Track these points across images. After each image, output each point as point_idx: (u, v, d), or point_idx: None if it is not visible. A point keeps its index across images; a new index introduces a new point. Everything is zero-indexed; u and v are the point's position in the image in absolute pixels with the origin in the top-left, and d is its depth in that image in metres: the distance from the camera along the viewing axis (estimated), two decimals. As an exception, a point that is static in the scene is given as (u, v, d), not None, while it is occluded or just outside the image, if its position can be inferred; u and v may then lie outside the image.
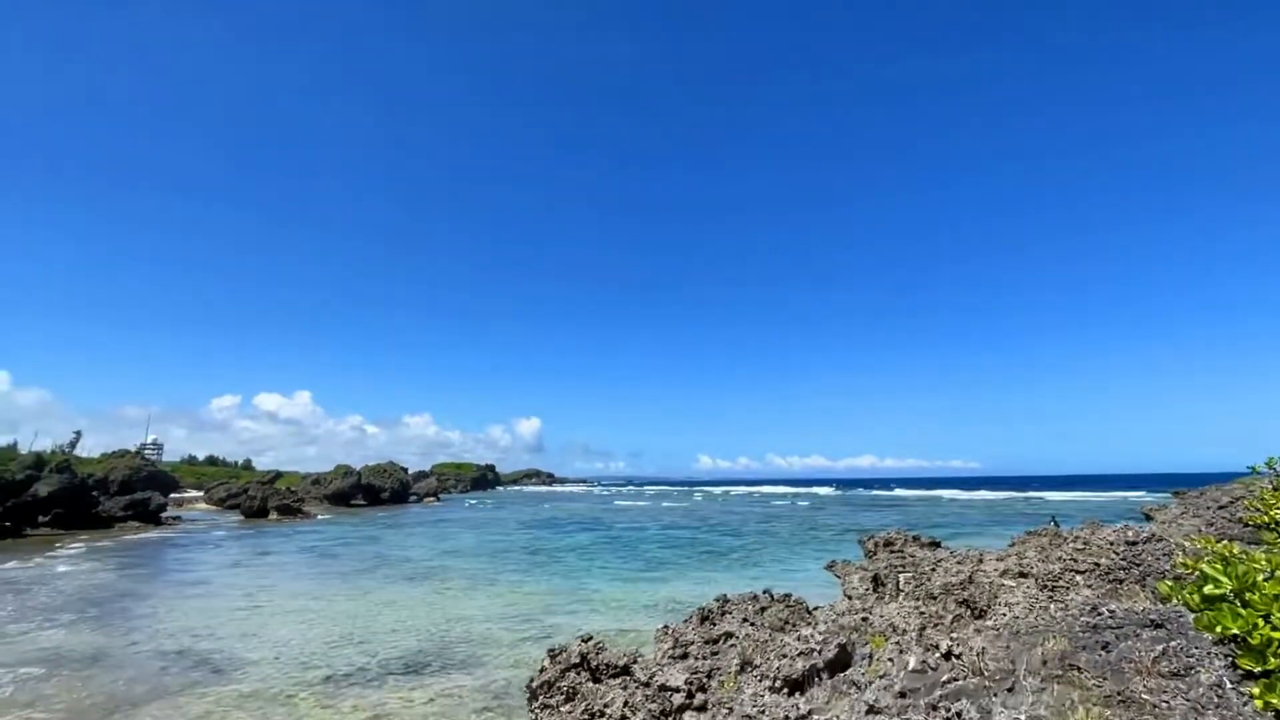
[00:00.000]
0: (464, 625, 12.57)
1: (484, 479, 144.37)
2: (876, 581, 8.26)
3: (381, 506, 66.14)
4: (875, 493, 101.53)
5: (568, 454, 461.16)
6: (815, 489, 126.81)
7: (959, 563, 8.48)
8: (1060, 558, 8.28)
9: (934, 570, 8.71)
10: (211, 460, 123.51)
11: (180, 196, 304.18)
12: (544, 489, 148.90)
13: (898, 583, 8.56)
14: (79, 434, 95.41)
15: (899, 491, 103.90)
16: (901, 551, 10.15)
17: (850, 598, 8.29)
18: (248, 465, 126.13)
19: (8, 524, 35.09)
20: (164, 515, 43.22)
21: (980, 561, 8.48)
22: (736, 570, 19.74)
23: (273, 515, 46.83)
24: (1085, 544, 8.62)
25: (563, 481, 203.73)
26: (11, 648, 11.23)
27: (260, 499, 48.11)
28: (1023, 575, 7.64)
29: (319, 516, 49.74)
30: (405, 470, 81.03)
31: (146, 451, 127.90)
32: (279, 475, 66.27)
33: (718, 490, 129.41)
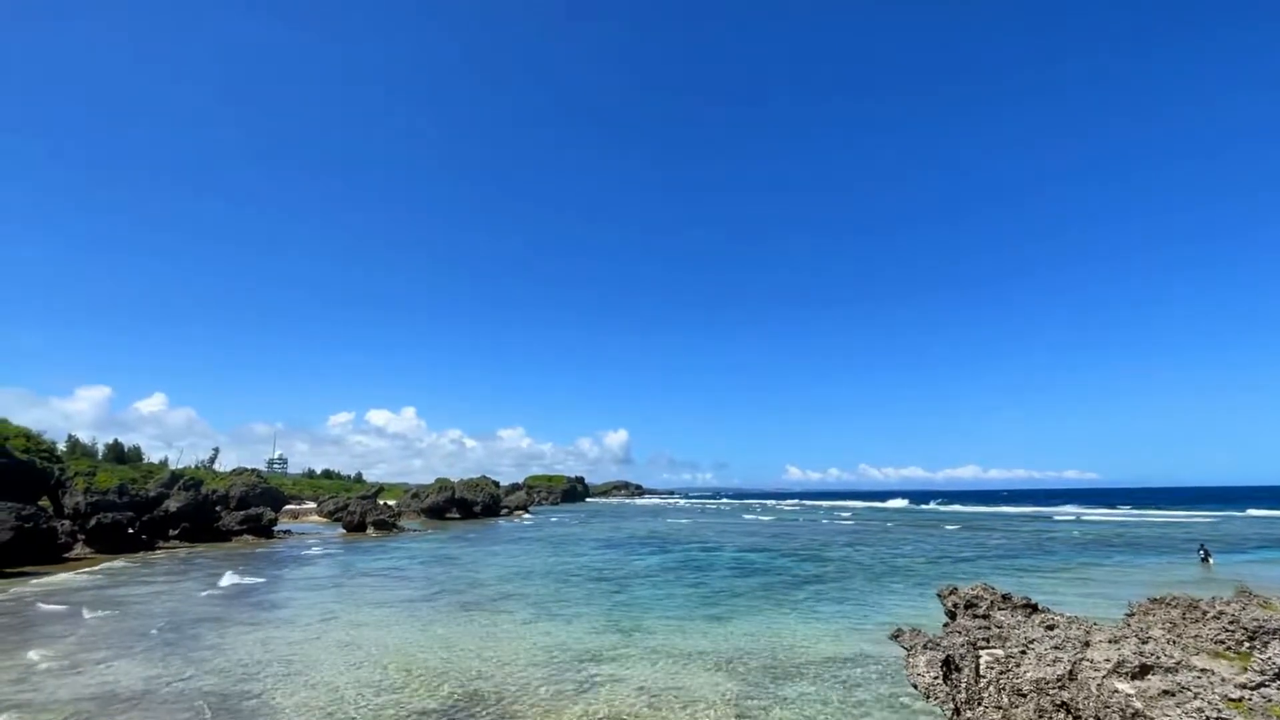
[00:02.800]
0: (503, 673, 11.59)
1: (573, 491, 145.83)
2: (949, 667, 6.57)
3: (473, 520, 67.41)
4: (976, 509, 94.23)
5: (654, 465, 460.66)
6: (909, 503, 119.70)
7: (1057, 646, 6.61)
8: (1198, 645, 6.31)
9: (1024, 653, 6.89)
10: (328, 474, 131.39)
11: (296, 223, 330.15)
12: (630, 501, 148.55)
13: (976, 669, 6.81)
14: (217, 450, 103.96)
15: (1004, 508, 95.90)
16: (987, 617, 8.27)
17: (915, 686, 6.62)
18: (359, 478, 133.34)
19: (143, 537, 37.62)
20: (275, 529, 45.46)
21: (1087, 645, 6.59)
22: (810, 610, 17.86)
23: (370, 530, 48.37)
24: (1233, 623, 6.59)
25: (649, 493, 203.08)
26: (75, 681, 11.22)
27: (359, 514, 49.85)
28: (1144, 672, 5.79)
29: (412, 531, 50.98)
30: (497, 484, 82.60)
31: (274, 466, 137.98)
32: (381, 490, 68.80)
33: (805, 503, 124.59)
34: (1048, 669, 6.05)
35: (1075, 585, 21.30)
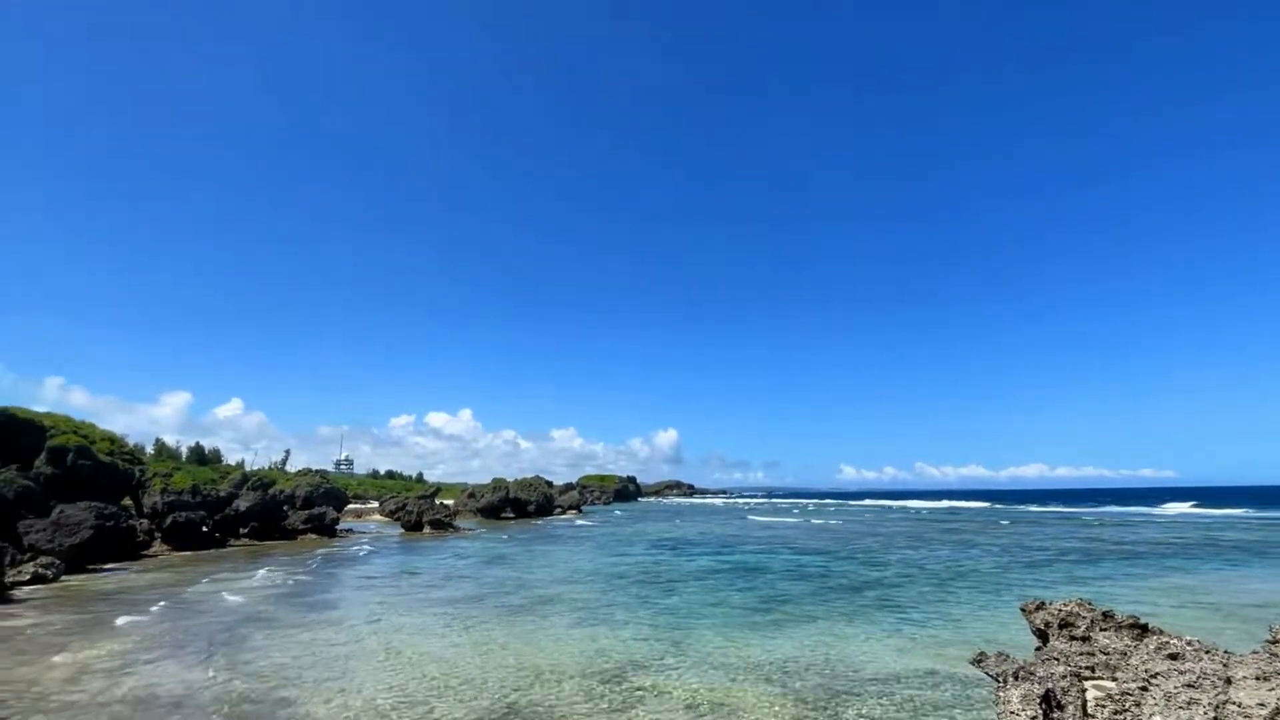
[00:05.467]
0: (542, 683, 10.87)
1: (626, 490, 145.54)
2: (1049, 704, 5.42)
3: (527, 519, 67.64)
4: (1044, 508, 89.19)
5: (706, 465, 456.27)
6: (971, 502, 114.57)
7: (1190, 685, 5.35)
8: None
9: (1145, 690, 5.66)
10: (390, 474, 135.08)
11: (354, 232, 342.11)
12: (683, 501, 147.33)
13: (1083, 709, 5.62)
14: (288, 452, 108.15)
15: (1075, 508, 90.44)
16: (1087, 639, 6.98)
17: (1007, 730, 5.49)
18: (420, 478, 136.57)
19: (215, 535, 38.80)
20: (338, 528, 46.42)
21: (1228, 683, 5.34)
22: (871, 619, 16.54)
23: (427, 529, 48.88)
24: None
25: (702, 493, 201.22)
26: (122, 682, 11.08)
27: (417, 514, 50.46)
28: (1317, 720, 4.52)
29: (467, 530, 51.33)
30: (550, 484, 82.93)
31: (340, 467, 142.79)
32: (439, 489, 69.89)
33: (860, 503, 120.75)
34: (1181, 713, 4.86)
35: (1171, 598, 19.22)
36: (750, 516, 73.45)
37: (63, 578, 23.05)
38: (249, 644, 13.78)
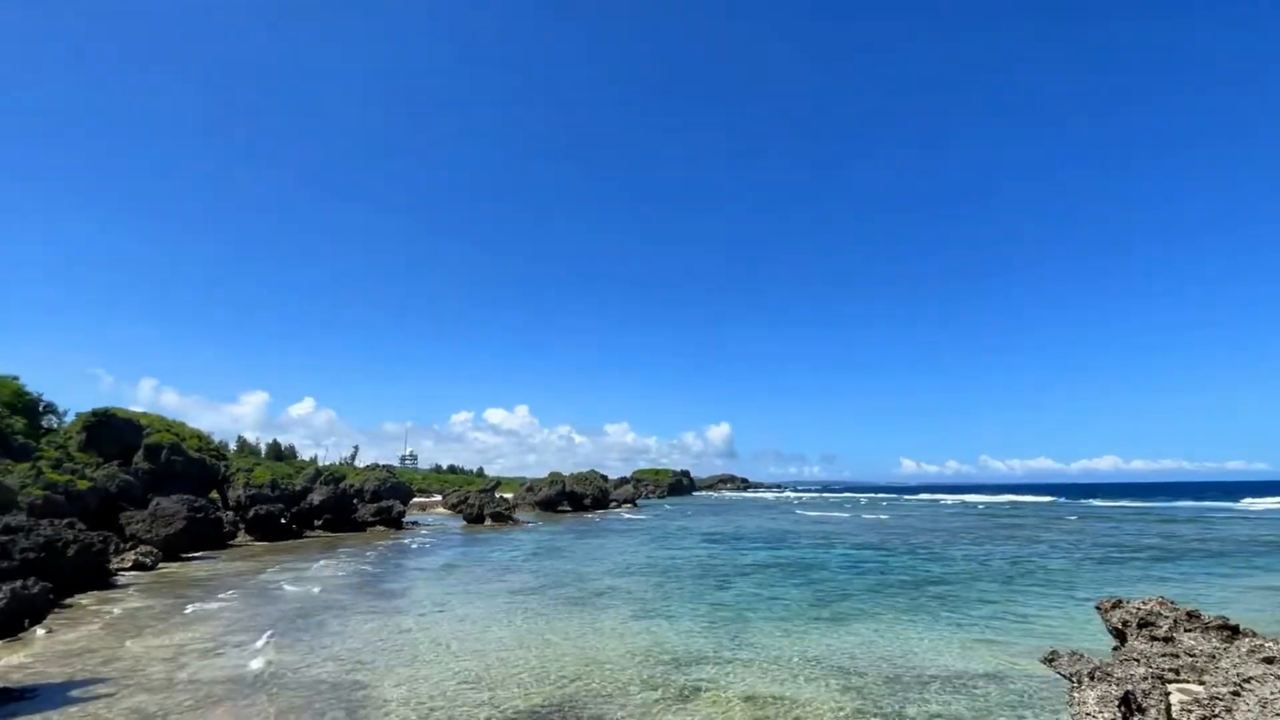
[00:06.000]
0: (600, 675, 11.01)
1: (679, 484, 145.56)
2: (1129, 707, 5.13)
3: (583, 512, 68.46)
4: (1119, 503, 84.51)
5: (759, 459, 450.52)
6: (1034, 497, 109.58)
7: (1290, 689, 5.01)
8: None
9: (1238, 695, 5.30)
10: (453, 469, 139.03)
11: (420, 235, 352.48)
12: (737, 495, 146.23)
13: (1167, 712, 5.30)
14: (356, 448, 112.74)
15: (1153, 502, 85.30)
16: (1170, 640, 6.59)
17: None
18: (480, 473, 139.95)
19: (292, 526, 40.76)
20: (404, 520, 48.07)
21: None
22: (934, 616, 16.04)
23: (488, 522, 50.11)
24: None
25: (756, 487, 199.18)
26: (215, 662, 11.79)
27: (478, 507, 51.79)
28: None
29: (526, 523, 52.35)
30: (605, 478, 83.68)
31: (405, 461, 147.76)
32: (498, 483, 71.50)
33: (921, 497, 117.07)
34: (1276, 721, 4.53)
35: (1261, 599, 17.95)
36: (803, 511, 72.33)
37: (160, 565, 24.67)
38: (326, 629, 14.44)
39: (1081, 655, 6.15)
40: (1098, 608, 7.53)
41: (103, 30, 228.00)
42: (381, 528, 44.76)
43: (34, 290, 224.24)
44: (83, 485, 27.62)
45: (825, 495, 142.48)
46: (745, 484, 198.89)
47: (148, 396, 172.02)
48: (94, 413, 34.91)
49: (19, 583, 9.67)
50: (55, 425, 34.29)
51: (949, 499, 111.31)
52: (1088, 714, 5.01)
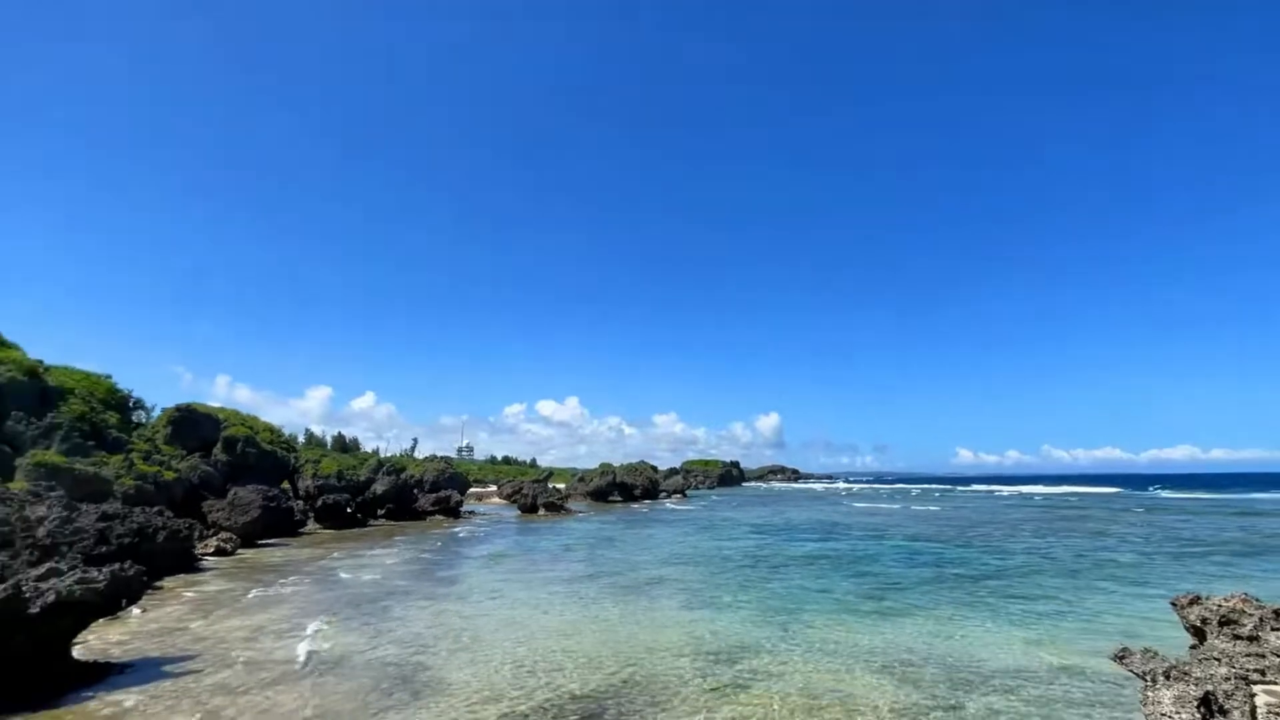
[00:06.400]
0: (654, 661, 11.10)
1: (729, 475, 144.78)
2: (1209, 708, 4.86)
3: (633, 503, 68.95)
4: (1194, 495, 79.74)
5: (809, 449, 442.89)
6: (1097, 488, 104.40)
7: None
8: None
9: (1328, 699, 4.95)
10: (507, 460, 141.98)
11: (470, 234, 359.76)
12: (787, 486, 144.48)
13: (1251, 714, 5.00)
14: (415, 440, 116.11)
15: (1233, 494, 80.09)
16: (1255, 640, 6.19)
17: (1158, 734, 4.95)
18: (534, 463, 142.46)
19: (357, 515, 42.44)
20: (461, 509, 49.42)
21: None
22: (994, 610, 15.52)
23: (541, 511, 51.04)
24: None
25: (806, 477, 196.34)
26: (289, 643, 12.42)
27: (532, 497, 52.81)
28: None
29: (578, 512, 53.08)
30: (655, 469, 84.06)
31: (462, 453, 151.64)
32: (551, 474, 72.59)
33: (979, 488, 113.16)
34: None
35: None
36: (854, 502, 70.97)
37: (238, 551, 26.11)
38: (389, 614, 15.02)
39: (1155, 653, 5.86)
40: (1173, 604, 7.15)
41: (196, 33, 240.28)
42: (440, 517, 46.14)
43: (124, 293, 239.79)
44: (169, 476, 29.40)
45: (876, 486, 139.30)
46: (795, 475, 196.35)
47: (223, 392, 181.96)
48: (177, 408, 37.07)
49: (117, 565, 10.39)
50: (144, 420, 36.57)
51: (1005, 490, 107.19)
52: (1163, 714, 4.77)
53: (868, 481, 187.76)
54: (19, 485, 20.54)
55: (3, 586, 8.57)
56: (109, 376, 33.89)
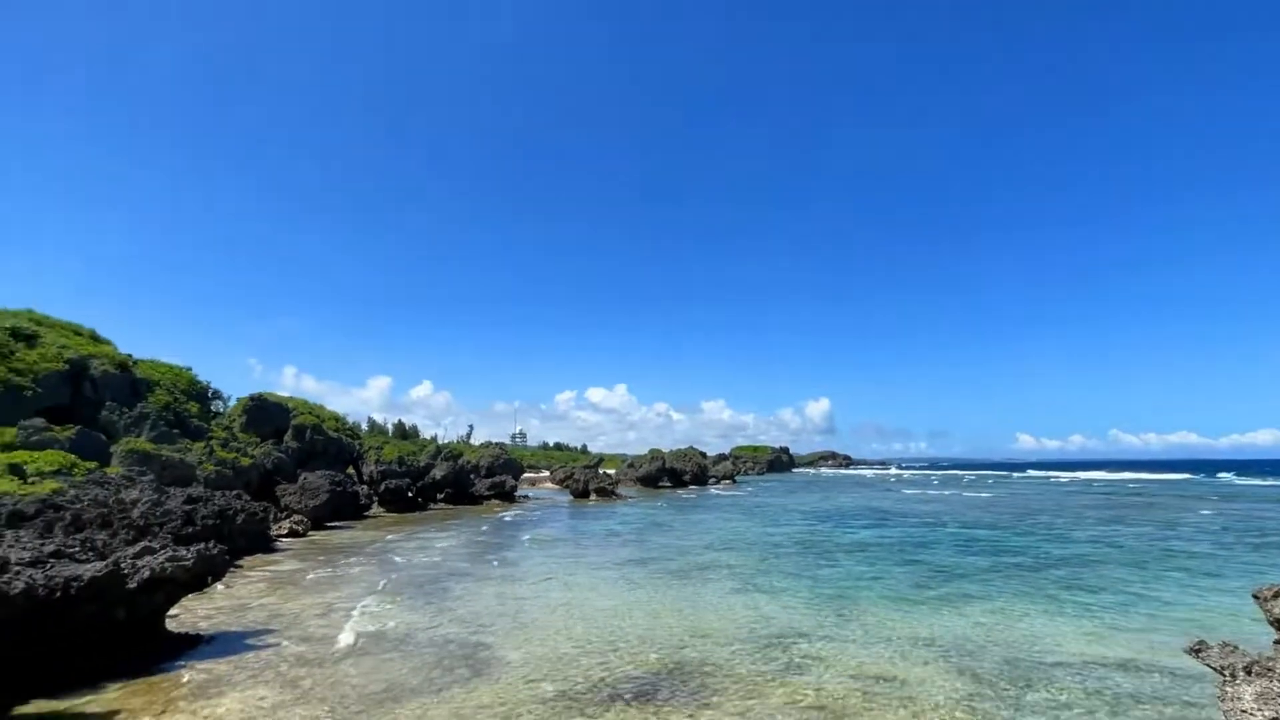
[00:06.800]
0: (705, 644, 11.16)
1: (779, 461, 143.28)
2: (1295, 708, 4.57)
3: (683, 488, 69.08)
4: (1273, 482, 74.58)
5: (860, 435, 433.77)
6: (1166, 475, 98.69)
7: None
8: None
9: None
10: (559, 446, 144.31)
11: (521, 225, 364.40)
12: (838, 472, 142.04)
13: (1345, 716, 4.67)
14: (471, 427, 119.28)
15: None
16: (1346, 637, 5.82)
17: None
18: (585, 449, 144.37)
19: (418, 499, 43.89)
20: (516, 494, 50.56)
21: None
22: (1057, 600, 14.96)
23: (592, 496, 51.73)
24: None
25: (859, 464, 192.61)
26: (357, 621, 13.01)
27: (583, 482, 53.56)
28: None
29: (629, 498, 53.57)
30: (704, 455, 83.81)
31: (515, 440, 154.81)
32: (601, 460, 73.54)
33: (1041, 474, 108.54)
34: None
35: None
36: (908, 489, 69.24)
37: (309, 533, 27.43)
38: (450, 594, 15.55)
39: (1235, 647, 5.55)
40: (1256, 596, 6.73)
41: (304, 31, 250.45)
42: (496, 501, 47.33)
43: (202, 291, 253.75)
44: (245, 462, 31.08)
45: (929, 472, 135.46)
46: (848, 461, 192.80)
47: (290, 382, 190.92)
48: (251, 398, 39.08)
49: (203, 545, 11.09)
50: (221, 409, 38.71)
51: (1064, 476, 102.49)
52: (1244, 711, 4.53)
53: (922, 468, 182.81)
54: (114, 470, 22.09)
55: (105, 563, 9.26)
56: (190, 369, 35.97)
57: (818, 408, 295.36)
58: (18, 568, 8.40)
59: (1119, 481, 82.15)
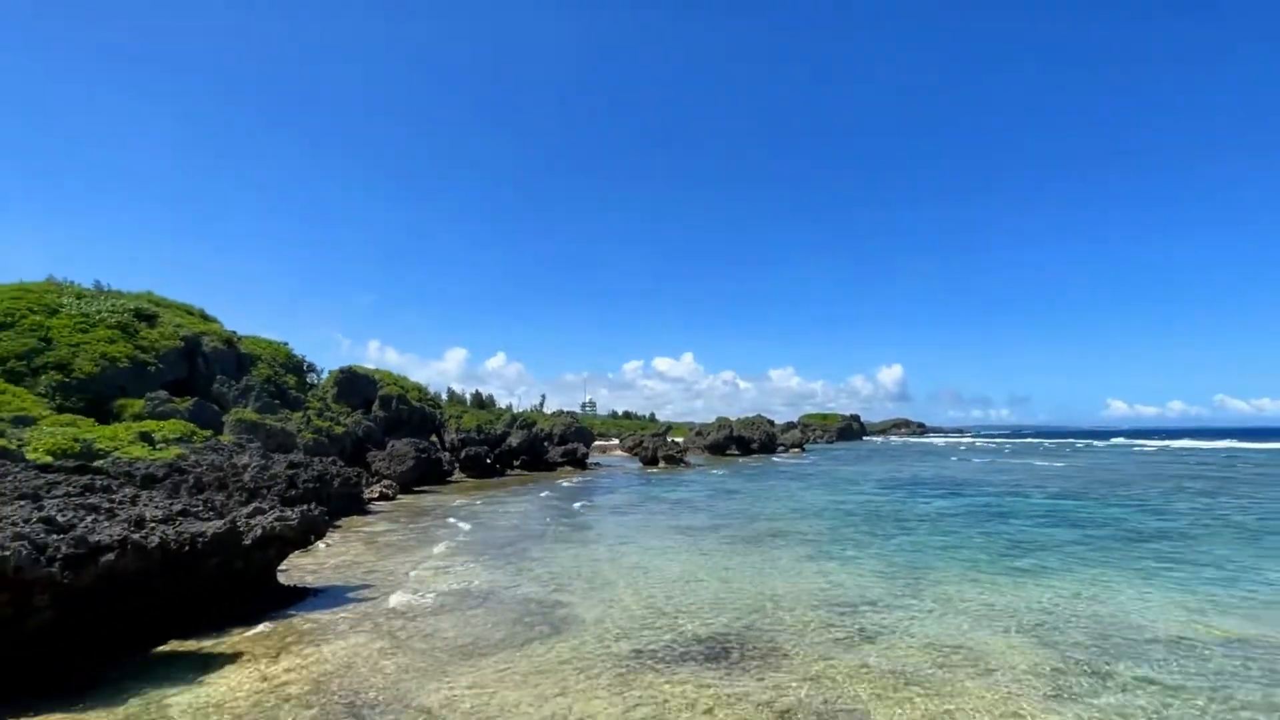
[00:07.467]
0: (777, 609, 11.20)
1: (849, 429, 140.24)
2: None
3: (750, 456, 68.82)
4: None
5: (936, 402, 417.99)
6: (1270, 444, 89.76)
7: None
8: None
9: None
10: (627, 415, 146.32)
11: (594, 195, 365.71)
12: (912, 440, 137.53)
13: None
14: (544, 396, 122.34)
15: None
16: None
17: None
18: (653, 418, 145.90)
19: (496, 466, 45.68)
20: (587, 461, 51.80)
21: None
22: (1151, 574, 14.05)
23: (661, 464, 52.33)
24: None
25: (934, 432, 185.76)
26: (446, 577, 13.83)
27: (652, 449, 54.24)
28: None
29: (696, 465, 53.87)
30: (772, 423, 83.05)
31: (585, 408, 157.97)
32: (669, 428, 74.12)
33: (1137, 443, 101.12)
34: None
35: None
36: (995, 457, 66.32)
37: (398, 496, 29.14)
38: (528, 555, 16.21)
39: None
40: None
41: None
42: (568, 468, 48.71)
43: (294, 270, 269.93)
44: (338, 430, 33.18)
45: (1007, 440, 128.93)
46: (922, 429, 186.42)
47: (374, 355, 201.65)
48: (342, 370, 41.51)
49: (306, 507, 11.99)
50: (315, 381, 41.33)
51: (1150, 444, 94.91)
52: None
53: (1004, 435, 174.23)
54: (227, 438, 24.07)
55: (224, 521, 10.18)
56: (286, 344, 38.47)
57: (890, 374, 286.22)
58: (153, 524, 9.36)
59: (1218, 450, 75.68)
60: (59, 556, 7.76)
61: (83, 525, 8.56)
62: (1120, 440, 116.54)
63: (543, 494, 31.00)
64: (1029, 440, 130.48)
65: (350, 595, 12.12)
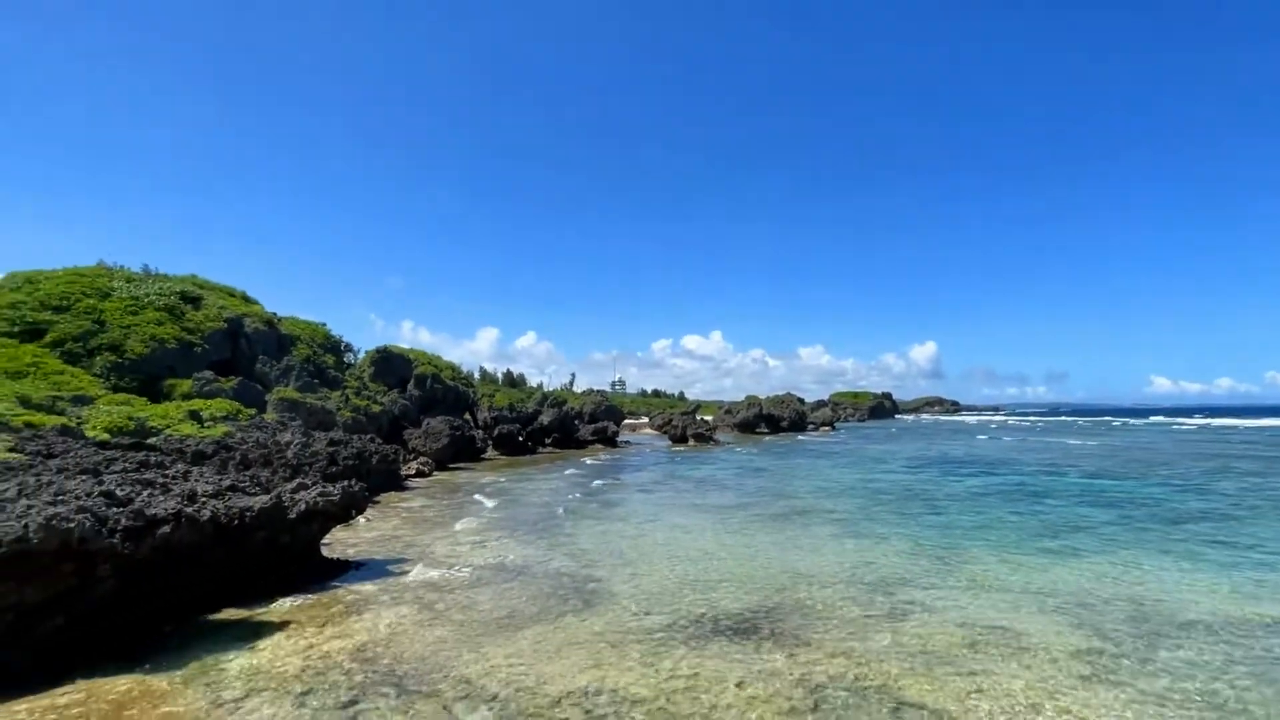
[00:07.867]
0: (808, 586, 11.20)
1: (881, 407, 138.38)
2: None
3: (781, 434, 68.47)
4: None
5: (969, 379, 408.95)
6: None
7: None
8: None
9: None
10: (656, 393, 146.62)
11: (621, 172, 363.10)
12: (944, 418, 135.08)
13: None
14: (574, 375, 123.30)
15: None
16: None
17: None
18: (682, 396, 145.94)
19: (528, 444, 46.29)
20: (617, 439, 52.15)
21: None
22: (1195, 555, 13.66)
23: (690, 442, 52.42)
24: None
25: (968, 410, 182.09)
26: (481, 552, 14.14)
27: (681, 428, 54.32)
28: None
29: (726, 444, 53.82)
30: (802, 401, 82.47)
31: (615, 387, 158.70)
32: (698, 406, 73.88)
33: (1180, 421, 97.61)
34: None
35: None
36: (1030, 436, 64.81)
37: (434, 473, 29.79)
38: (561, 530, 16.47)
39: None
40: None
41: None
42: (599, 445, 49.13)
43: (330, 252, 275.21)
44: (376, 409, 33.95)
45: (1041, 419, 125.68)
46: (955, 406, 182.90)
47: (408, 335, 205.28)
48: (378, 350, 42.34)
49: (346, 483, 12.34)
50: (352, 361, 42.26)
51: (1190, 423, 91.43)
52: None
53: (1039, 414, 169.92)
54: (270, 417, 24.83)
55: (269, 496, 10.54)
56: (324, 324, 39.31)
57: (923, 351, 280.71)
58: (204, 499, 9.74)
59: (1263, 429, 72.63)
60: (119, 529, 8.15)
61: (140, 499, 8.96)
62: (1159, 418, 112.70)
63: (573, 471, 31.37)
64: (1064, 418, 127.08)
65: (390, 568, 12.49)
